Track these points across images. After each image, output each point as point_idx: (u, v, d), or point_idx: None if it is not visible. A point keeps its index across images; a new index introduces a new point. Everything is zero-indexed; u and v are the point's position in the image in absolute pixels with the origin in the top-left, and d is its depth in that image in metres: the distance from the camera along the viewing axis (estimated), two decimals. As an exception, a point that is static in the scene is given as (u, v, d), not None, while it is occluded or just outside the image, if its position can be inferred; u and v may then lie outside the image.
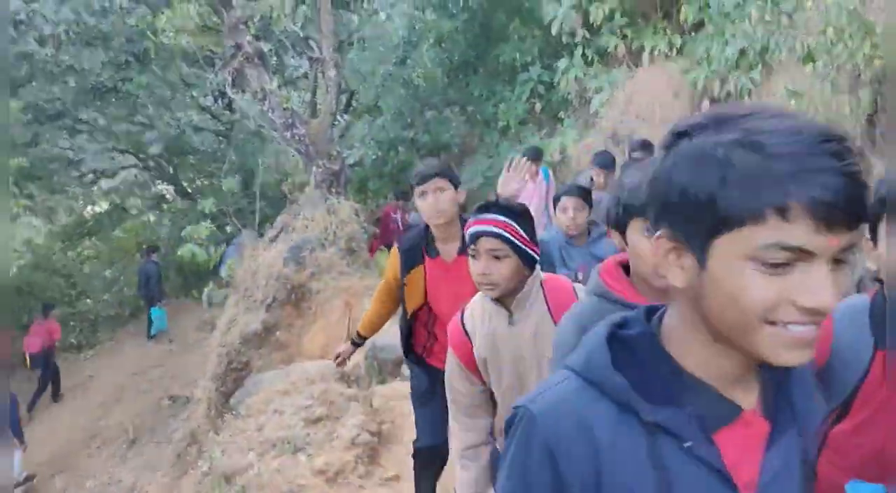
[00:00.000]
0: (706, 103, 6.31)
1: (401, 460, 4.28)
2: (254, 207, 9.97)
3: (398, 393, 5.33)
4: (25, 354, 11.23)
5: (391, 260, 3.14)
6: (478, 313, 2.29)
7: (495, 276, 2.12)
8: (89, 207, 17.79)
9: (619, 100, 7.82)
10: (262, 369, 7.87)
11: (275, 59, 13.96)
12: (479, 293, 2.29)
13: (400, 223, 11.02)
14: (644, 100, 7.34)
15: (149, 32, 10.19)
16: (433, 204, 2.83)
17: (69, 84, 12.37)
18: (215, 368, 8.66)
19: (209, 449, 4.34)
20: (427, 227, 3.00)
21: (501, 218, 2.13)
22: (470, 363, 2.29)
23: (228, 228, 11.32)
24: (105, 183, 17.62)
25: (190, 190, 17.61)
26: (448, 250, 2.97)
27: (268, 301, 8.82)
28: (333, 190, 9.82)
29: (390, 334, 7.05)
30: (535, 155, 8.31)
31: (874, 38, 3.32)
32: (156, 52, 10.92)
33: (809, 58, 3.93)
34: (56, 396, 11.69)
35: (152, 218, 18.94)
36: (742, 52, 5.92)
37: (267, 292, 8.87)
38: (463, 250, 2.85)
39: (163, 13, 9.58)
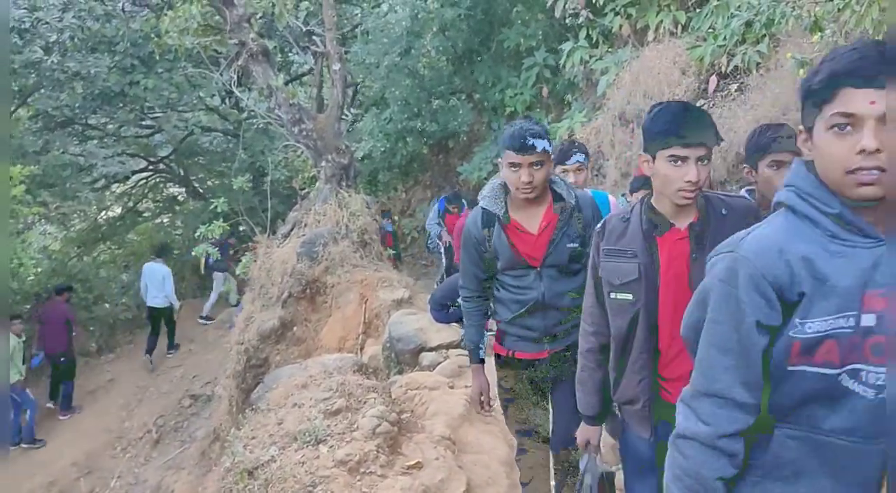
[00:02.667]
0: (713, 79, 6.24)
1: (422, 448, 4.29)
2: (265, 205, 9.98)
3: (417, 383, 5.34)
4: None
5: None
6: None
7: None
8: (103, 213, 17.89)
9: (626, 80, 7.74)
10: (280, 364, 7.91)
11: (279, 55, 13.96)
12: None
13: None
14: (651, 79, 7.25)
15: (153, 35, 10.21)
16: None
17: (76, 90, 12.41)
18: (235, 366, 8.71)
19: (231, 445, 4.36)
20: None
21: None
22: None
23: (241, 227, 11.37)
24: (117, 187, 17.76)
25: (201, 190, 17.68)
26: None
27: (283, 297, 8.86)
28: (343, 184, 9.83)
29: (408, 326, 7.10)
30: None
31: (882, 3, 3.27)
32: (160, 55, 10.94)
33: (816, 26, 3.88)
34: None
35: (165, 220, 19.04)
36: (748, 25, 5.85)
37: (282, 288, 8.91)
38: None
39: (166, 15, 9.59)
